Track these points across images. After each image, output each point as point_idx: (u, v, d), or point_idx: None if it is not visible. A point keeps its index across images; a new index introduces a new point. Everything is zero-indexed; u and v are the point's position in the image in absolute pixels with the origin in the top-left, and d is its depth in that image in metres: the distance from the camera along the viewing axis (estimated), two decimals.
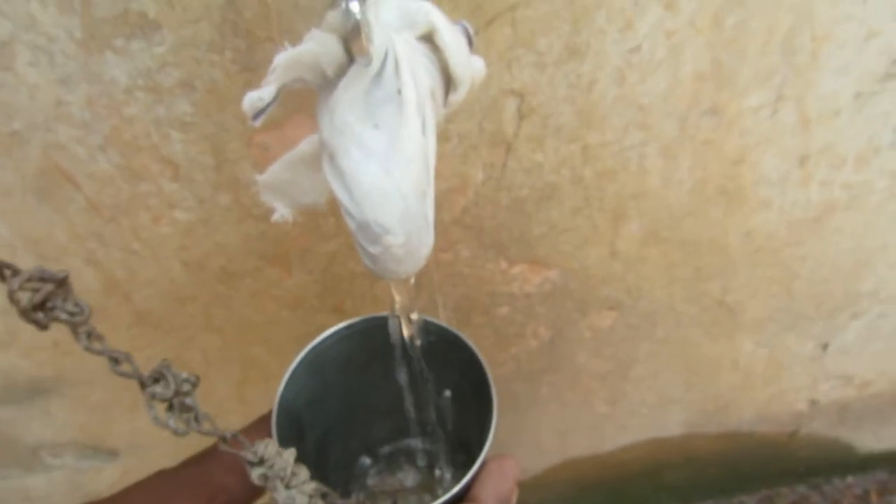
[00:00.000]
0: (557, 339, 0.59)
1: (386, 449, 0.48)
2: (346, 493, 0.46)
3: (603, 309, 0.57)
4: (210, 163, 0.42)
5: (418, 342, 0.38)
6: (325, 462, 0.44)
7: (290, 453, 0.30)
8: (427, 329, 0.39)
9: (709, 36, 0.42)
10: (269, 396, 0.61)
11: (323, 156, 0.28)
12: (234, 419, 0.62)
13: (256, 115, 0.26)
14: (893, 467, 0.86)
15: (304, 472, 0.30)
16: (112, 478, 0.67)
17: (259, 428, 0.36)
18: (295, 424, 0.38)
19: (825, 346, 0.65)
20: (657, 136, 0.46)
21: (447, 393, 0.44)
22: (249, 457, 0.30)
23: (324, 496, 0.31)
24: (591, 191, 0.48)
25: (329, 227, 0.47)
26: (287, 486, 0.30)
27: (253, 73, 0.38)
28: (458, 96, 0.31)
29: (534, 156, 0.46)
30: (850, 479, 0.86)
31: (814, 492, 0.86)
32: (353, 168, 0.26)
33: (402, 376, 0.41)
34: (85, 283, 0.48)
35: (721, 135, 0.47)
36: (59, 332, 0.50)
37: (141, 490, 0.34)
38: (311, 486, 0.30)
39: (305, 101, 0.40)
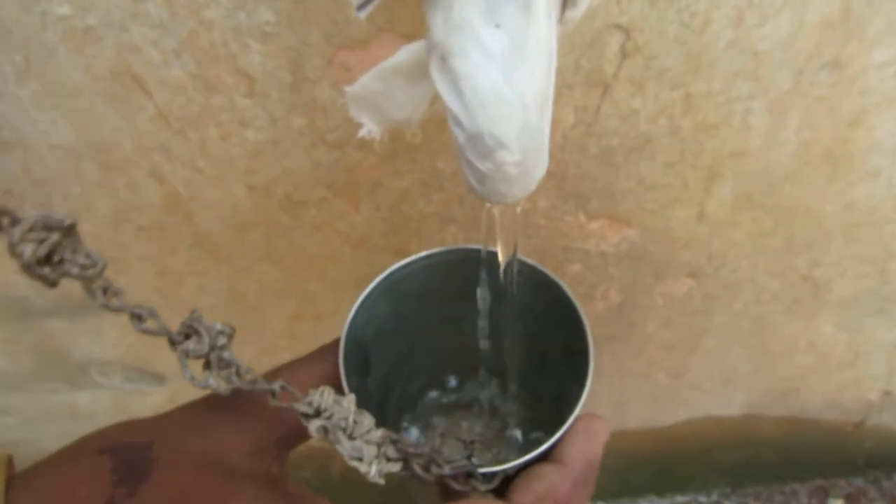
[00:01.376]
0: (627, 304, 0.56)
1: (452, 395, 0.45)
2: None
3: (681, 275, 0.54)
4: (287, 80, 0.40)
5: (512, 281, 0.35)
6: (386, 400, 0.42)
7: (351, 400, 0.29)
8: (520, 270, 0.36)
9: None
10: (321, 334, 0.59)
11: (432, 58, 0.25)
12: (285, 356, 0.60)
13: (363, 5, 0.23)
14: None
15: (368, 420, 0.29)
16: (157, 402, 0.66)
17: (314, 362, 0.34)
18: (362, 357, 0.36)
19: None
20: (767, 88, 0.42)
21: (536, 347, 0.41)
22: (304, 408, 0.28)
23: (393, 443, 0.29)
24: (688, 145, 0.45)
25: (404, 161, 0.45)
26: (351, 437, 0.28)
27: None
28: (576, 13, 0.27)
29: (632, 101, 0.42)
30: None
31: (872, 486, 0.82)
32: (470, 70, 0.23)
33: (484, 317, 0.39)
34: (146, 198, 0.46)
35: (839, 92, 0.43)
36: (116, 247, 0.49)
37: (189, 413, 0.32)
38: (378, 433, 0.28)
39: (395, 17, 0.37)
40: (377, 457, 0.28)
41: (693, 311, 0.57)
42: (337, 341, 0.34)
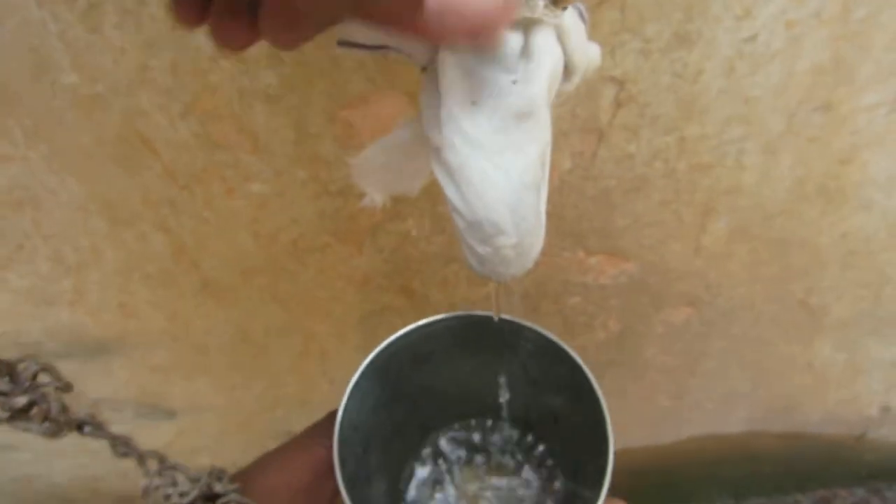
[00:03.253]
0: (627, 332, 0.57)
1: (455, 463, 0.43)
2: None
3: (679, 305, 0.55)
4: (291, 136, 0.41)
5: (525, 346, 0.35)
6: (389, 467, 0.40)
7: None
8: (527, 336, 0.35)
9: (833, 28, 0.39)
10: (327, 369, 0.61)
11: (430, 150, 0.26)
12: (291, 391, 0.62)
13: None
14: None
15: None
16: (167, 436, 0.67)
17: (307, 448, 0.33)
18: (360, 434, 0.35)
19: None
20: (760, 131, 0.43)
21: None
22: None
23: None
24: (683, 184, 0.46)
25: (405, 206, 0.46)
26: None
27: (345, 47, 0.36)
28: (570, 86, 0.28)
29: (627, 146, 0.43)
30: None
31: (874, 496, 0.83)
32: (460, 162, 0.24)
33: (496, 384, 0.38)
34: (154, 249, 0.47)
35: (830, 133, 0.44)
36: (124, 293, 0.50)
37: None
38: None
39: (397, 77, 0.38)
40: None
41: (692, 336, 0.58)
42: (331, 416, 0.33)
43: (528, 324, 0.35)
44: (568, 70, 0.27)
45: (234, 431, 0.66)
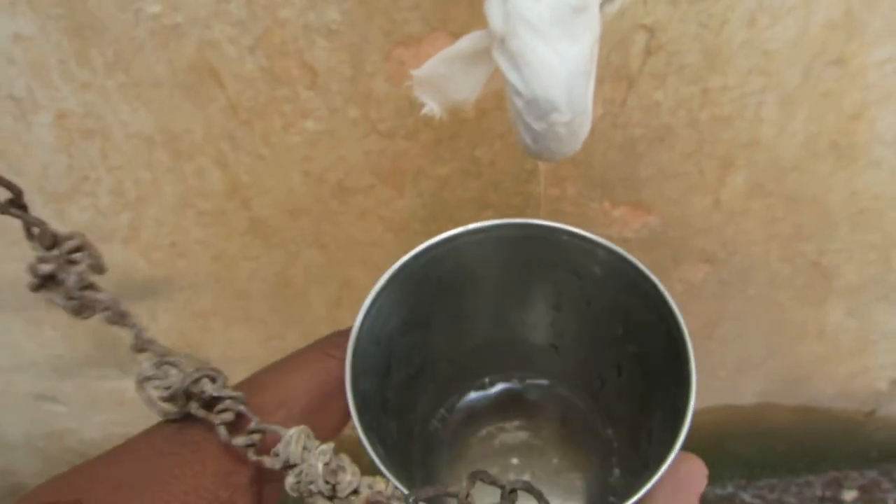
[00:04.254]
0: None
1: (497, 404, 0.37)
2: (429, 460, 0.35)
3: (697, 261, 0.58)
4: (347, 73, 0.45)
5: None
6: (412, 406, 0.35)
7: (324, 452, 0.23)
8: (602, 258, 0.30)
9: None
10: None
11: (494, 43, 0.29)
12: None
13: None
14: None
15: (349, 475, 0.23)
16: None
17: (315, 360, 0.28)
18: (380, 354, 0.30)
19: None
20: (778, 83, 0.47)
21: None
22: (268, 462, 0.23)
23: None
24: (705, 136, 0.49)
25: (446, 150, 0.49)
26: (331, 499, 0.23)
27: None
28: (612, 7, 0.32)
29: (654, 94, 0.47)
30: None
31: (885, 478, 0.85)
32: (523, 48, 0.28)
33: (549, 310, 0.33)
34: (210, 184, 0.51)
35: (842, 87, 0.47)
36: (177, 231, 0.53)
37: (127, 457, 0.26)
38: (364, 494, 0.23)
39: (447, 16, 0.42)
40: None
41: (710, 295, 0.61)
42: (348, 330, 0.29)
43: (601, 239, 0.30)
44: None
45: None
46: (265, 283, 0.59)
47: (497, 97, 0.46)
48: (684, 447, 0.25)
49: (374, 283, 0.59)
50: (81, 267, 0.24)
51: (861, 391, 0.74)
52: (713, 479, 0.88)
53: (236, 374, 0.67)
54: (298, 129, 0.48)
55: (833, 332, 0.66)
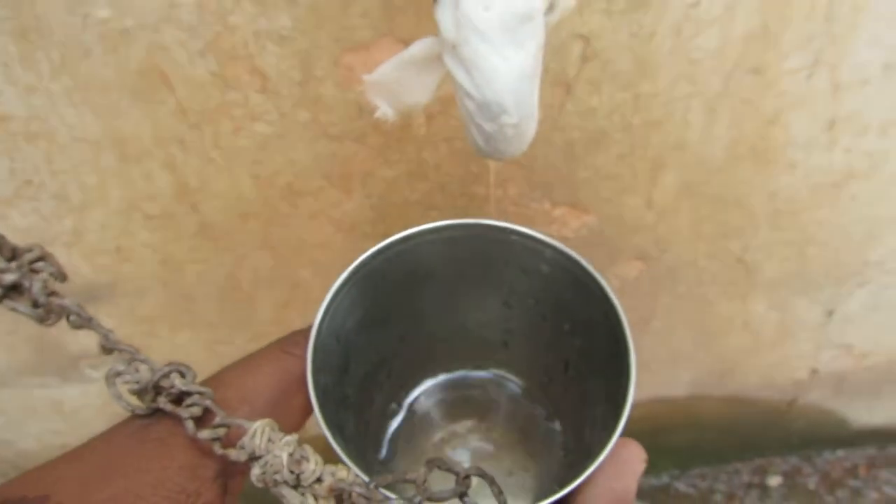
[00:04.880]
0: None
1: (450, 398, 0.39)
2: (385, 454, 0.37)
3: (632, 259, 0.61)
4: (297, 78, 0.46)
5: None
6: (370, 402, 0.36)
7: (288, 443, 0.24)
8: (550, 256, 0.32)
9: None
10: (309, 321, 0.64)
11: (444, 50, 0.31)
12: None
13: None
14: (882, 443, 0.91)
15: (313, 464, 0.24)
16: None
17: (276, 357, 0.29)
18: (339, 352, 0.31)
19: (830, 313, 0.70)
20: (703, 90, 0.50)
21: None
22: (234, 455, 0.24)
23: (346, 495, 0.24)
24: (637, 139, 0.52)
25: (394, 152, 0.51)
26: (295, 487, 0.24)
27: None
28: (553, 17, 0.34)
29: (590, 99, 0.49)
30: (840, 452, 0.91)
31: (805, 463, 0.91)
32: (473, 54, 0.30)
33: (499, 306, 0.35)
34: (159, 187, 0.51)
35: (760, 94, 0.51)
36: (123, 235, 0.53)
37: (97, 452, 0.26)
38: (327, 482, 0.24)
39: (394, 24, 0.44)
40: None
41: (643, 292, 0.64)
42: (307, 329, 0.30)
43: (549, 239, 0.32)
44: (552, 4, 0.33)
45: None
46: (213, 286, 0.59)
47: (443, 103, 0.48)
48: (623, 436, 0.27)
49: (324, 284, 0.60)
50: (44, 275, 0.25)
51: (783, 381, 0.79)
52: (648, 470, 0.92)
53: None
54: (248, 133, 0.48)
55: (756, 325, 0.70)
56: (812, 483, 0.90)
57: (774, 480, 0.91)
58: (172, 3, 0.41)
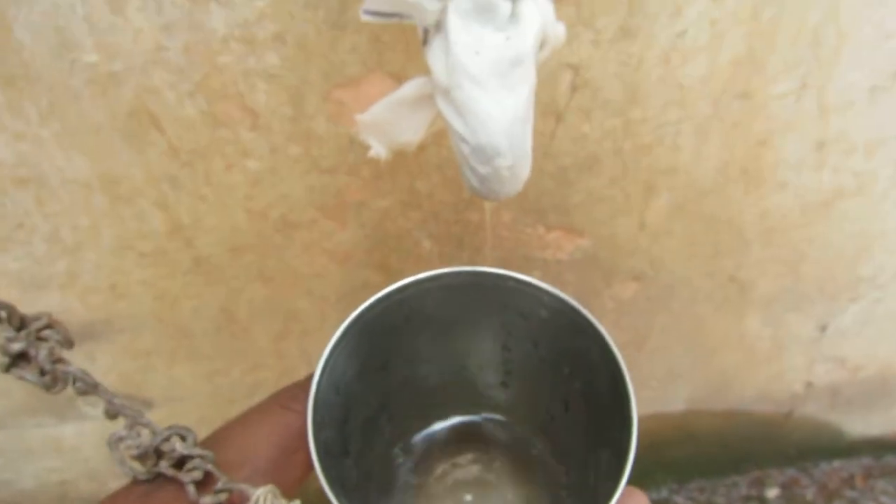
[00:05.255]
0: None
1: (452, 440, 0.39)
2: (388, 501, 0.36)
3: (627, 279, 0.62)
4: (288, 114, 0.46)
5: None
6: (369, 450, 0.36)
7: None
8: (544, 301, 0.32)
9: (748, 26, 0.46)
10: (306, 352, 0.64)
11: (437, 93, 0.32)
12: (269, 375, 0.65)
13: (369, 12, 0.30)
14: (878, 453, 0.92)
15: None
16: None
17: (275, 414, 0.29)
18: (339, 403, 0.31)
19: (824, 328, 0.70)
20: (692, 115, 0.51)
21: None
22: None
23: None
24: (629, 163, 0.52)
25: (386, 182, 0.51)
26: None
27: (342, 30, 0.42)
28: (544, 54, 0.35)
29: (581, 126, 0.50)
30: (836, 463, 0.91)
31: (802, 475, 0.91)
32: (467, 99, 0.30)
33: (497, 351, 0.35)
34: (151, 226, 0.51)
35: (749, 117, 0.51)
36: (117, 273, 0.53)
37: None
38: None
39: (384, 59, 0.44)
40: None
41: (638, 311, 0.65)
42: (306, 380, 0.29)
43: (546, 286, 0.32)
44: (542, 41, 0.34)
45: (212, 420, 0.68)
46: (209, 319, 0.59)
47: (435, 133, 0.48)
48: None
49: (320, 313, 0.60)
50: (51, 343, 0.25)
51: (779, 394, 0.79)
52: (648, 485, 0.92)
53: (182, 412, 0.66)
54: (240, 169, 0.48)
55: (751, 341, 0.71)
56: (810, 494, 0.90)
57: (772, 492, 0.91)
58: (160, 46, 0.41)
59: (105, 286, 0.55)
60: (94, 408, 0.67)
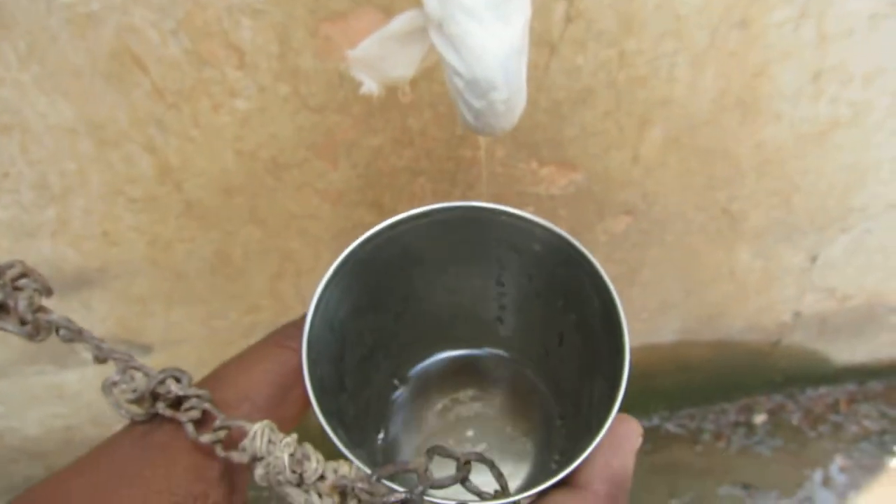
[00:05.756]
0: None
1: (446, 376, 0.39)
2: (387, 436, 0.37)
3: (619, 213, 0.61)
4: (275, 51, 0.44)
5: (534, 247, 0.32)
6: (367, 384, 0.36)
7: (288, 444, 0.24)
8: (539, 235, 0.31)
9: None
10: (301, 293, 0.64)
11: (430, 27, 0.30)
12: (267, 315, 0.66)
13: None
14: (862, 379, 0.94)
15: (314, 462, 0.24)
16: None
17: (270, 353, 0.29)
18: (334, 340, 0.31)
19: (814, 259, 0.71)
20: (688, 45, 0.49)
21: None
22: (234, 458, 0.25)
23: (350, 490, 0.24)
24: (623, 95, 0.52)
25: (378, 121, 0.50)
26: (298, 486, 0.24)
27: None
28: None
29: (575, 58, 0.49)
30: (822, 389, 0.93)
31: (789, 401, 0.93)
32: (461, 32, 0.29)
33: (492, 284, 0.35)
34: (140, 170, 0.50)
35: (746, 47, 0.50)
36: (108, 220, 0.52)
37: (99, 462, 0.26)
38: (330, 479, 0.24)
39: None
40: None
41: (631, 245, 0.65)
42: (302, 319, 0.29)
43: (539, 219, 0.31)
44: None
45: (211, 363, 0.68)
46: (204, 262, 0.59)
47: (426, 69, 0.47)
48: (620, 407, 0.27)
49: (314, 254, 0.60)
50: (28, 292, 0.24)
51: (768, 324, 0.81)
52: (639, 413, 0.95)
53: (180, 356, 0.67)
54: (228, 109, 0.47)
55: (742, 273, 0.71)
56: (795, 419, 0.93)
57: (760, 418, 0.93)
58: None
59: (97, 233, 0.54)
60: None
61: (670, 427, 0.95)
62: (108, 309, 0.61)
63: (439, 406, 0.39)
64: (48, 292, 0.26)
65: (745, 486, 0.90)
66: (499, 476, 0.26)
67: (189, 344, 0.66)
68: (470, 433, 0.38)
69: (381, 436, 0.36)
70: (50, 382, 0.69)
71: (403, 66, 0.35)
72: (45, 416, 0.74)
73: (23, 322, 0.24)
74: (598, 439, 0.26)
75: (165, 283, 0.60)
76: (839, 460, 0.91)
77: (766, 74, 0.52)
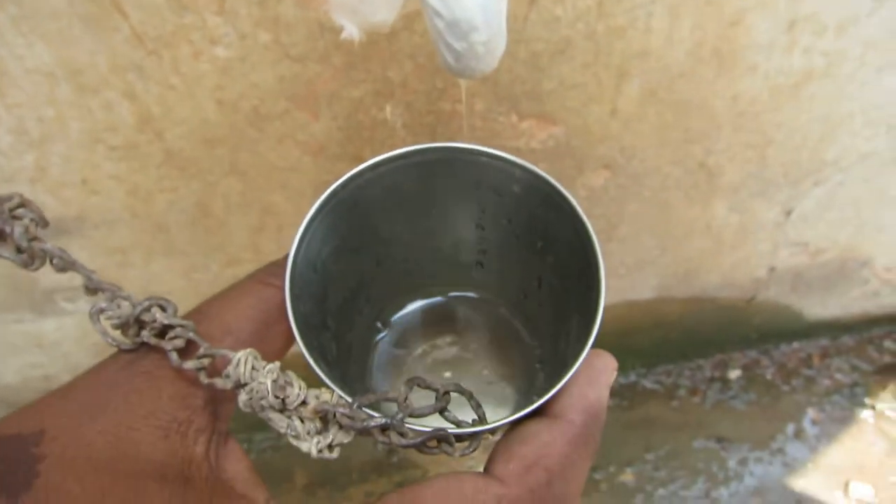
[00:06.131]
0: None
1: (428, 320, 0.39)
2: (368, 378, 0.37)
3: (598, 167, 0.62)
4: None
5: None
6: (350, 326, 0.36)
7: (271, 370, 0.25)
8: (519, 176, 0.32)
9: None
10: (283, 247, 0.65)
11: None
12: (246, 269, 0.66)
13: None
14: (835, 334, 0.97)
15: (297, 388, 0.25)
16: None
17: (254, 290, 0.29)
18: (317, 279, 0.31)
19: (788, 213, 0.72)
20: None
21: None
22: (218, 384, 0.25)
23: (331, 416, 0.25)
24: (601, 47, 0.52)
25: (359, 72, 0.50)
26: (281, 411, 0.25)
27: None
28: None
29: (554, 9, 0.49)
30: (795, 344, 0.96)
31: (763, 356, 0.96)
32: None
33: (472, 228, 0.35)
34: (120, 117, 0.50)
35: None
36: (88, 167, 0.53)
37: (89, 386, 0.26)
38: (312, 404, 0.25)
39: None
40: (319, 432, 0.25)
41: (609, 199, 0.66)
42: (284, 258, 0.29)
43: (518, 159, 0.32)
44: None
45: None
46: (184, 214, 0.59)
47: (407, 18, 0.47)
48: (595, 345, 0.27)
49: (296, 207, 0.60)
50: (26, 222, 0.25)
51: (743, 280, 0.82)
52: (618, 370, 0.97)
53: None
54: (209, 57, 0.47)
55: (718, 228, 0.73)
56: (769, 374, 0.95)
57: (734, 374, 0.96)
58: None
59: (76, 180, 0.54)
60: (72, 303, 0.67)
61: (647, 383, 0.97)
62: (86, 259, 0.60)
63: (419, 351, 0.39)
64: (44, 223, 0.26)
65: (720, 440, 0.93)
66: (476, 406, 0.27)
67: (169, 297, 0.66)
68: (448, 374, 0.38)
69: (362, 378, 0.37)
70: (28, 331, 0.69)
71: (385, 10, 0.35)
72: (24, 365, 0.74)
73: (19, 250, 0.25)
74: (573, 369, 0.26)
75: (145, 235, 0.60)
76: (811, 413, 0.94)
77: (742, 24, 0.53)
